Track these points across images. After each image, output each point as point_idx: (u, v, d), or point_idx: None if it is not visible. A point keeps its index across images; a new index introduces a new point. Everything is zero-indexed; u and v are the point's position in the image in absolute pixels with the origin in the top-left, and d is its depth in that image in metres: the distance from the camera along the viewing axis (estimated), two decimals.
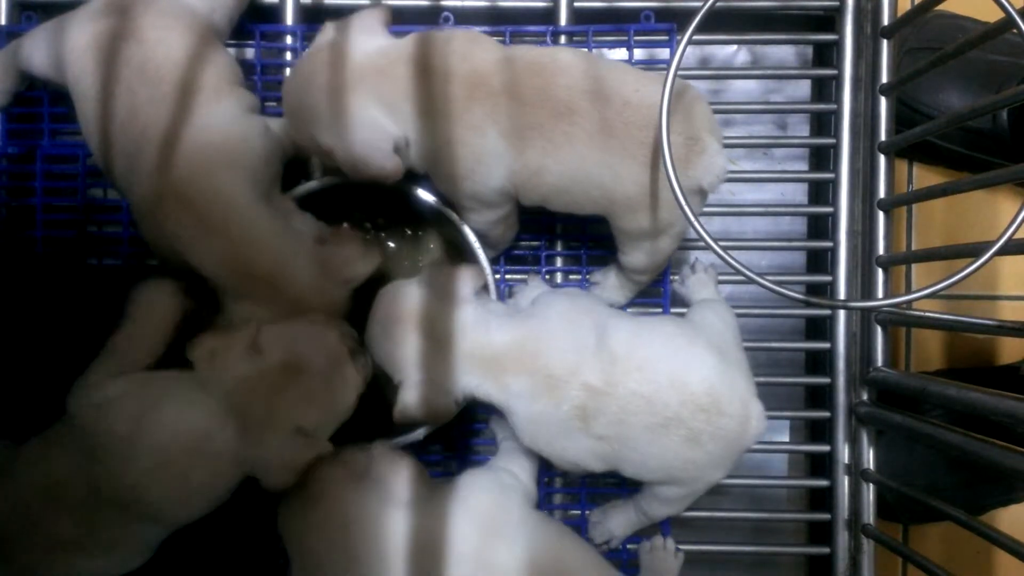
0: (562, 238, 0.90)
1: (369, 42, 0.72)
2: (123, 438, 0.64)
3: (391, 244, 0.89)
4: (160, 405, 0.65)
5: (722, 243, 0.59)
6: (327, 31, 0.74)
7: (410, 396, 0.69)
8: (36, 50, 0.78)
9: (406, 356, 0.70)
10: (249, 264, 0.70)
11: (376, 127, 0.70)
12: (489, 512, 0.69)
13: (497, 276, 0.84)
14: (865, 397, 0.88)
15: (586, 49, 0.87)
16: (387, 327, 0.71)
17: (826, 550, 0.89)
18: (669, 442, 0.68)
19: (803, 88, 1.01)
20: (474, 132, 0.69)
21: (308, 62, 0.73)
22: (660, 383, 0.68)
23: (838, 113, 0.89)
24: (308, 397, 0.67)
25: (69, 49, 0.73)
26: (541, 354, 0.68)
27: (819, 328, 0.93)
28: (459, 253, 0.84)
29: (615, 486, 0.86)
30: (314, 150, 0.75)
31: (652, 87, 0.69)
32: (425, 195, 0.81)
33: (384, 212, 0.87)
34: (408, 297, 0.71)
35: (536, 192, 0.73)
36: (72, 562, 0.67)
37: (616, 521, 0.83)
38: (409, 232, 0.89)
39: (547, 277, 0.89)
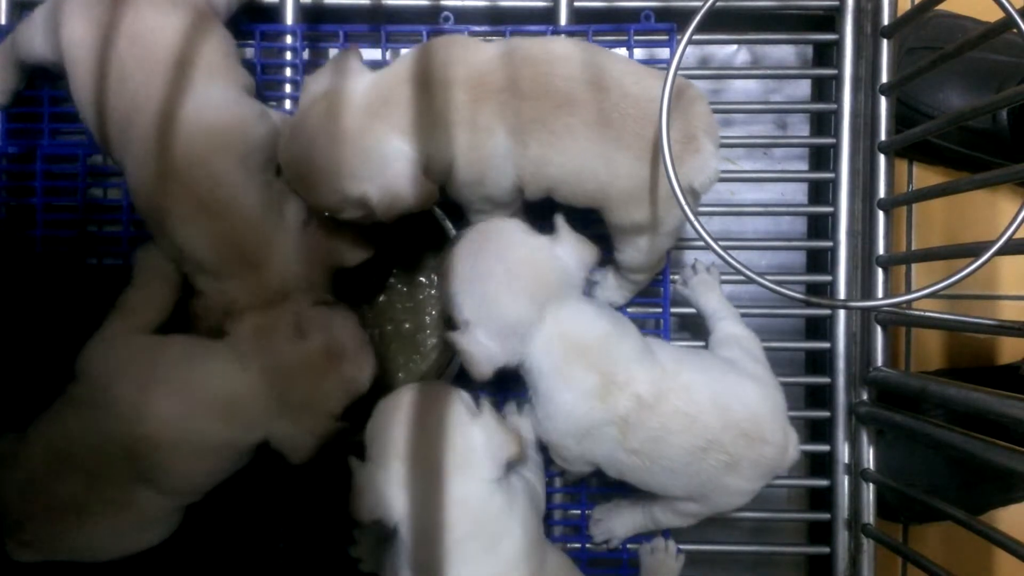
0: None
1: (362, 78, 0.71)
2: (142, 391, 0.67)
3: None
4: (188, 363, 0.68)
5: (722, 243, 0.59)
6: (313, 83, 0.72)
7: (472, 345, 0.67)
8: (34, 33, 0.77)
9: (500, 307, 0.67)
10: (240, 245, 0.71)
11: (402, 156, 0.69)
12: (537, 531, 0.69)
13: None
14: (865, 397, 0.88)
15: (582, 39, 0.87)
16: (503, 270, 0.68)
17: (826, 550, 0.89)
18: (706, 465, 0.68)
19: (803, 88, 1.01)
20: (484, 135, 0.69)
21: (306, 119, 0.70)
22: (704, 404, 0.68)
23: (838, 113, 0.89)
24: (345, 382, 0.70)
25: (64, 22, 0.73)
26: (614, 357, 0.67)
27: (819, 328, 0.93)
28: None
29: (615, 486, 0.86)
30: (338, 206, 0.71)
31: (653, 81, 0.69)
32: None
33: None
34: (543, 254, 0.69)
35: (540, 185, 0.72)
36: (77, 527, 0.68)
37: (619, 521, 0.83)
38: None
39: None
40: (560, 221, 0.71)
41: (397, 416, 0.66)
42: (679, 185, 0.59)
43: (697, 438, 0.67)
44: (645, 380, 0.67)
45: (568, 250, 0.70)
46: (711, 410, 0.68)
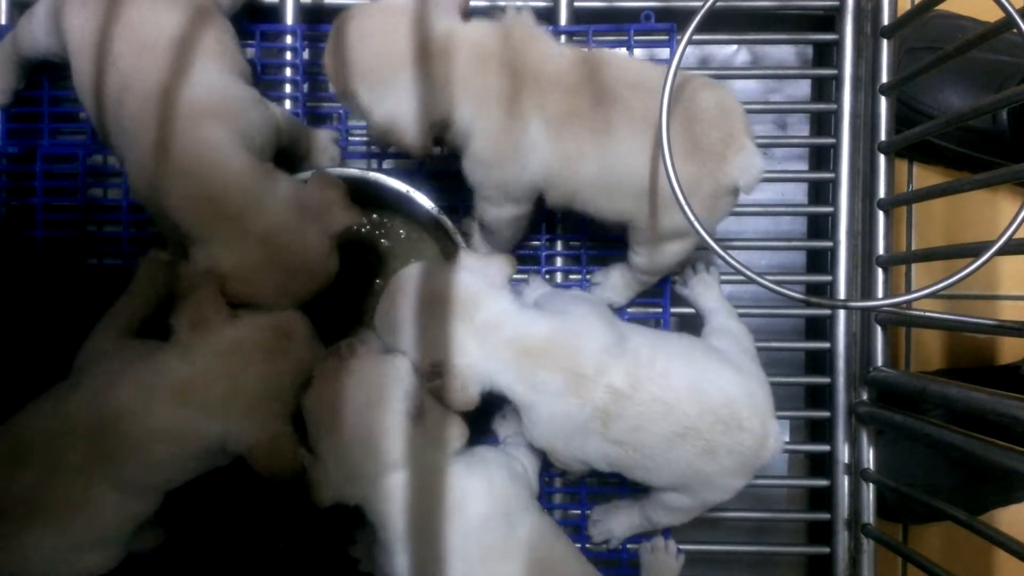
0: (562, 238, 0.90)
1: (443, 21, 0.71)
2: (107, 381, 0.68)
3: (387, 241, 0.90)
4: (148, 354, 0.69)
5: (722, 243, 0.59)
6: None
7: (445, 380, 0.67)
8: (37, 25, 0.78)
9: (444, 339, 0.67)
10: (220, 201, 0.69)
11: (421, 105, 0.70)
12: (505, 490, 0.69)
13: None
14: (865, 397, 0.88)
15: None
16: (427, 307, 0.69)
17: (826, 550, 0.89)
18: (684, 452, 0.68)
19: (803, 88, 1.01)
20: (519, 121, 0.69)
21: (378, 18, 0.71)
22: (680, 391, 0.68)
23: (838, 113, 0.89)
24: (297, 362, 0.70)
25: (66, 11, 0.73)
26: (574, 351, 0.67)
27: (819, 328, 0.93)
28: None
29: (615, 486, 0.86)
30: (346, 98, 0.73)
31: (702, 87, 0.70)
32: (422, 199, 0.82)
33: (382, 207, 0.88)
34: (452, 279, 0.69)
35: (567, 185, 0.72)
36: (24, 530, 0.66)
37: (617, 521, 0.83)
38: (403, 233, 0.90)
39: (547, 277, 0.89)
40: (461, 253, 0.73)
41: (340, 403, 0.67)
42: (679, 184, 0.59)
43: (674, 425, 0.67)
44: (618, 370, 0.67)
45: (475, 267, 0.70)
46: (687, 396, 0.68)
